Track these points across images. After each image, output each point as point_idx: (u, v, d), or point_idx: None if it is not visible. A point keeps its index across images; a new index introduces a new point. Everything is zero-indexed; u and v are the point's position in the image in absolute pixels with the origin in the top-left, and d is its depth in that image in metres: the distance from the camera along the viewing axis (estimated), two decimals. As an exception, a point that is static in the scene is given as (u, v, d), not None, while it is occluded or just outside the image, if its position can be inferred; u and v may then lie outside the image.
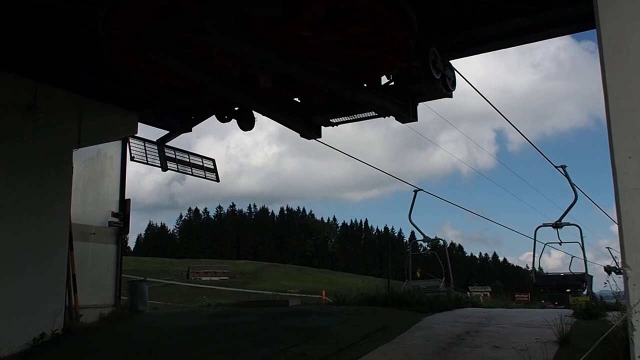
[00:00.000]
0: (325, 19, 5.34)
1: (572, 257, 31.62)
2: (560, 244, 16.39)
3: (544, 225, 16.44)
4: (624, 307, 4.32)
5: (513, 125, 11.09)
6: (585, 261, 15.42)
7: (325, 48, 6.02)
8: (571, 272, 17.08)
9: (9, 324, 8.45)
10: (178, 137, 11.57)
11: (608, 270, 25.12)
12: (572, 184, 15.63)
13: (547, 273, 17.47)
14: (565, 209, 16.23)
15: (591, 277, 15.89)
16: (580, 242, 15.58)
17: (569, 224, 16.17)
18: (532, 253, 17.57)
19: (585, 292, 15.86)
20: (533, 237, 16.51)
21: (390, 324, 9.10)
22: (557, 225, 16.08)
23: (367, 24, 5.49)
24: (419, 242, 24.16)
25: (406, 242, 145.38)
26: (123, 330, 9.83)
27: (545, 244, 17.17)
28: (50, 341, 8.93)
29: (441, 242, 22.97)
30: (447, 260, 20.20)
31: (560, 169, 15.58)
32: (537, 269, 17.78)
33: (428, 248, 23.65)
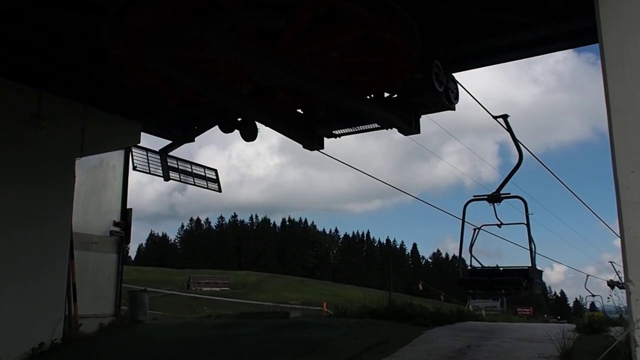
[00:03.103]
0: (316, 27, 5.31)
1: (587, 276, 29.97)
2: (499, 225, 11.63)
3: (475, 198, 11.53)
4: (627, 322, 4.28)
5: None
6: (532, 250, 10.54)
7: (331, 65, 6.05)
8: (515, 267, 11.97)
9: (9, 333, 8.41)
10: (180, 147, 11.61)
11: (611, 284, 24.95)
12: (515, 140, 10.99)
13: (482, 267, 12.27)
14: (507, 174, 11.47)
15: (540, 272, 11.30)
16: (526, 221, 10.86)
17: (509, 196, 11.18)
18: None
19: (535, 291, 11.34)
20: (461, 217, 11.56)
21: (391, 337, 9.05)
22: (494, 197, 11.08)
23: (360, 28, 5.48)
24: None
25: (408, 254, 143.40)
26: (123, 341, 9.78)
27: (480, 227, 12.26)
28: (49, 351, 8.89)
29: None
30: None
31: (500, 120, 10.83)
32: (470, 261, 12.47)
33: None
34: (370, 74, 6.29)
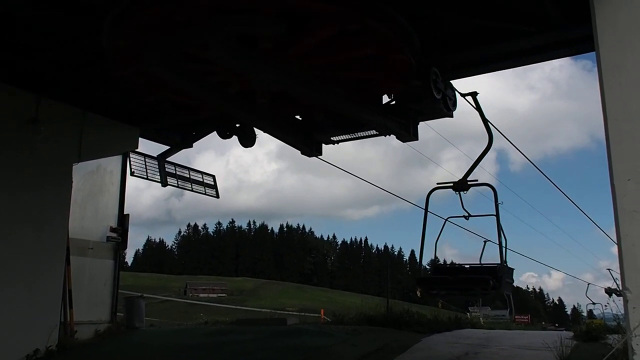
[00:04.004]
0: (331, 40, 5.40)
1: (588, 284, 29.40)
2: (467, 217, 10.19)
3: (440, 186, 10.12)
4: (625, 329, 4.27)
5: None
6: (502, 245, 9.27)
7: (329, 69, 6.09)
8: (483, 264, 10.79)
9: (3, 339, 8.34)
10: (178, 153, 11.59)
11: (609, 292, 24.88)
12: (485, 120, 9.58)
13: (447, 265, 11.09)
14: (475, 158, 10.12)
15: (511, 270, 9.93)
16: (495, 212, 9.47)
17: (476, 183, 9.81)
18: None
19: (504, 292, 9.94)
20: (424, 207, 10.16)
21: (388, 344, 9.01)
22: (461, 185, 9.80)
23: (372, 47, 5.57)
24: None
25: (406, 260, 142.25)
26: (119, 348, 9.73)
27: (447, 219, 10.89)
28: (44, 357, 8.82)
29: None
30: (510, 295, 20.23)
31: (469, 98, 9.10)
32: (432, 259, 11.17)
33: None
34: (377, 70, 6.29)
